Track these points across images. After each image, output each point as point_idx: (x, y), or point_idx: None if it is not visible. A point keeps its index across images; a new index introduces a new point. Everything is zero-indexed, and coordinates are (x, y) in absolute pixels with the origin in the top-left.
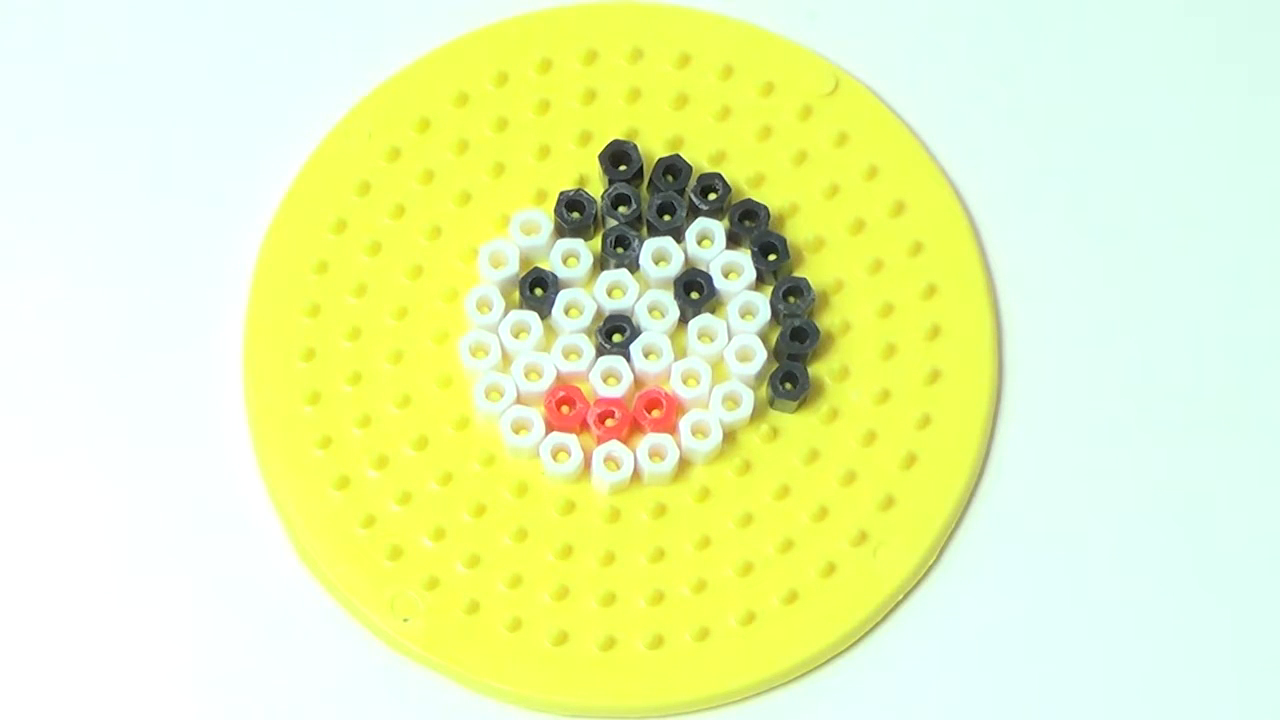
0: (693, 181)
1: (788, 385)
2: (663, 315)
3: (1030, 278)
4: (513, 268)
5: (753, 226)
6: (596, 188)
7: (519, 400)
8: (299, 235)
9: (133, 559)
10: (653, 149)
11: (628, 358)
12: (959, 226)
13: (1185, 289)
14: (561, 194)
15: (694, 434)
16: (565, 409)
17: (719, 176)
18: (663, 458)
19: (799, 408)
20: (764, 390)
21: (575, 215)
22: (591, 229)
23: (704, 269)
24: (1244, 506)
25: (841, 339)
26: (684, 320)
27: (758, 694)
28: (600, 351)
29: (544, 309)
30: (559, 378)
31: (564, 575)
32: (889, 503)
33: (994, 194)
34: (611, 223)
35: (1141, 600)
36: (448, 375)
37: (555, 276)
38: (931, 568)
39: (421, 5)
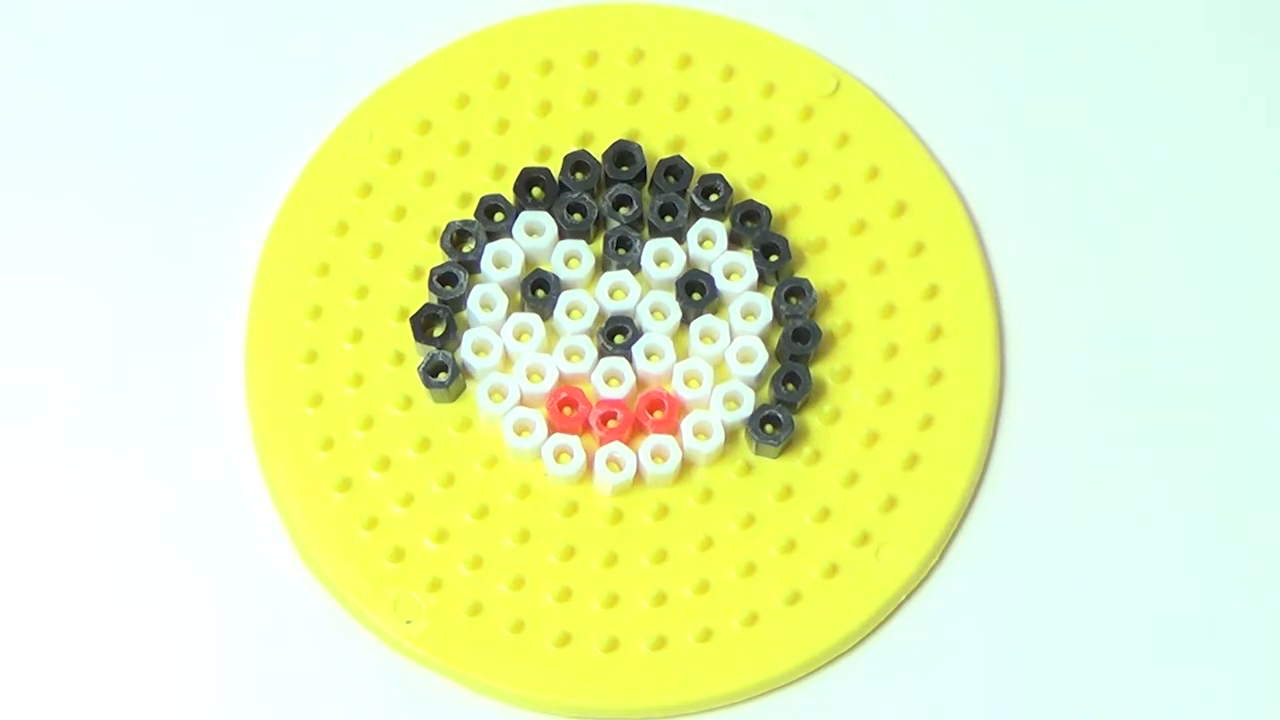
0: (694, 182)
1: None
2: (664, 316)
3: (1031, 278)
4: (515, 269)
5: (754, 227)
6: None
7: (521, 402)
8: (300, 237)
9: (135, 561)
10: (654, 150)
11: (630, 359)
12: (960, 227)
13: (1187, 289)
14: (562, 195)
15: (696, 435)
16: (567, 410)
17: (720, 177)
18: (665, 459)
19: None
20: (766, 391)
21: (577, 217)
22: (593, 230)
23: (706, 270)
24: (1245, 505)
25: (843, 340)
26: (686, 321)
27: (761, 695)
28: (602, 353)
29: (546, 310)
30: (561, 379)
31: (566, 576)
32: (891, 503)
33: (995, 194)
34: (613, 224)
35: (1143, 600)
36: None
37: (557, 278)
38: (934, 568)
39: (422, 7)
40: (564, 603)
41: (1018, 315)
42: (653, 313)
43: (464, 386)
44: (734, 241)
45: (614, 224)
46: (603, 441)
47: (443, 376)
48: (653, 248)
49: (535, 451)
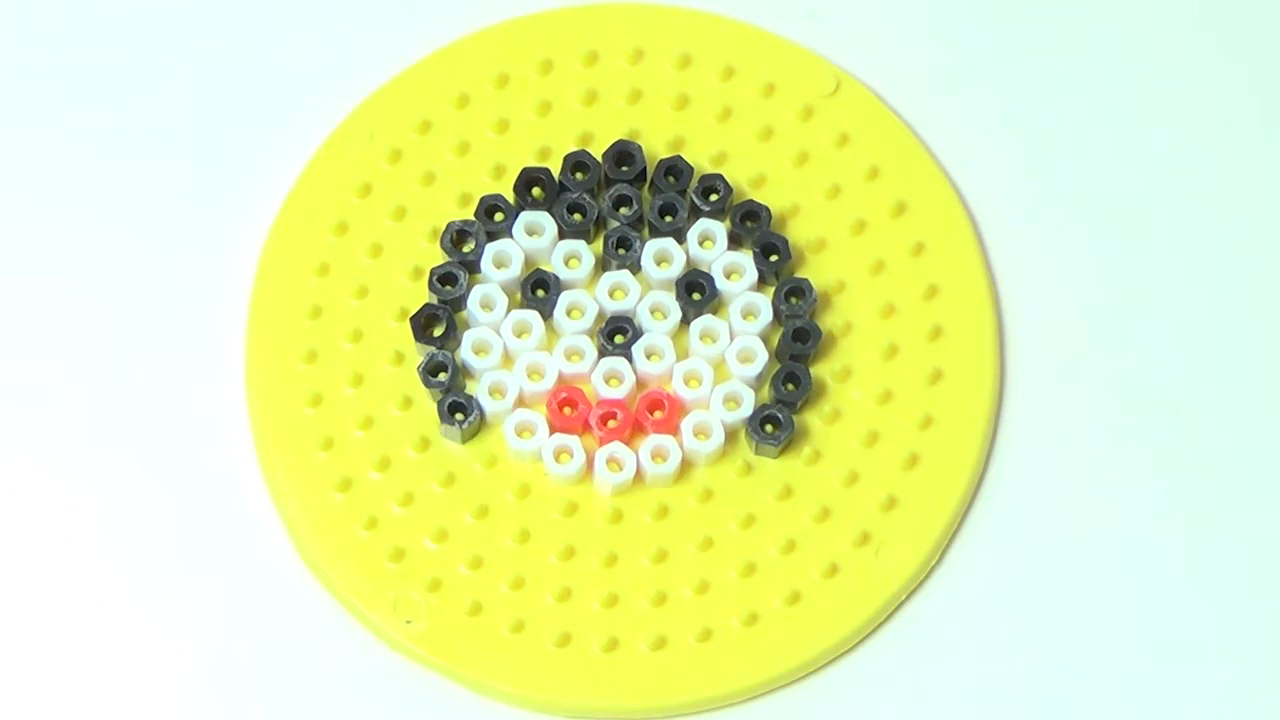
0: (694, 182)
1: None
2: (664, 316)
3: (1031, 277)
4: (515, 269)
5: (754, 227)
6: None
7: (521, 402)
8: (300, 237)
9: (135, 562)
10: (654, 150)
11: (629, 359)
12: (960, 227)
13: (1187, 289)
14: (562, 195)
15: (696, 435)
16: (567, 410)
17: (720, 177)
18: (665, 459)
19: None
20: (766, 391)
21: (577, 217)
22: (593, 230)
23: (706, 270)
24: (1245, 505)
25: (843, 340)
26: (686, 321)
27: (760, 695)
28: (602, 353)
29: (546, 310)
30: (561, 379)
31: (566, 576)
32: (891, 503)
33: (994, 194)
34: (613, 224)
35: (1143, 600)
36: None
37: (557, 278)
38: (934, 568)
39: (422, 7)
40: (564, 603)
41: (1018, 315)
42: (653, 313)
43: (464, 383)
44: (734, 241)
45: (614, 224)
46: (603, 441)
47: (443, 376)
48: (653, 248)
49: (535, 452)
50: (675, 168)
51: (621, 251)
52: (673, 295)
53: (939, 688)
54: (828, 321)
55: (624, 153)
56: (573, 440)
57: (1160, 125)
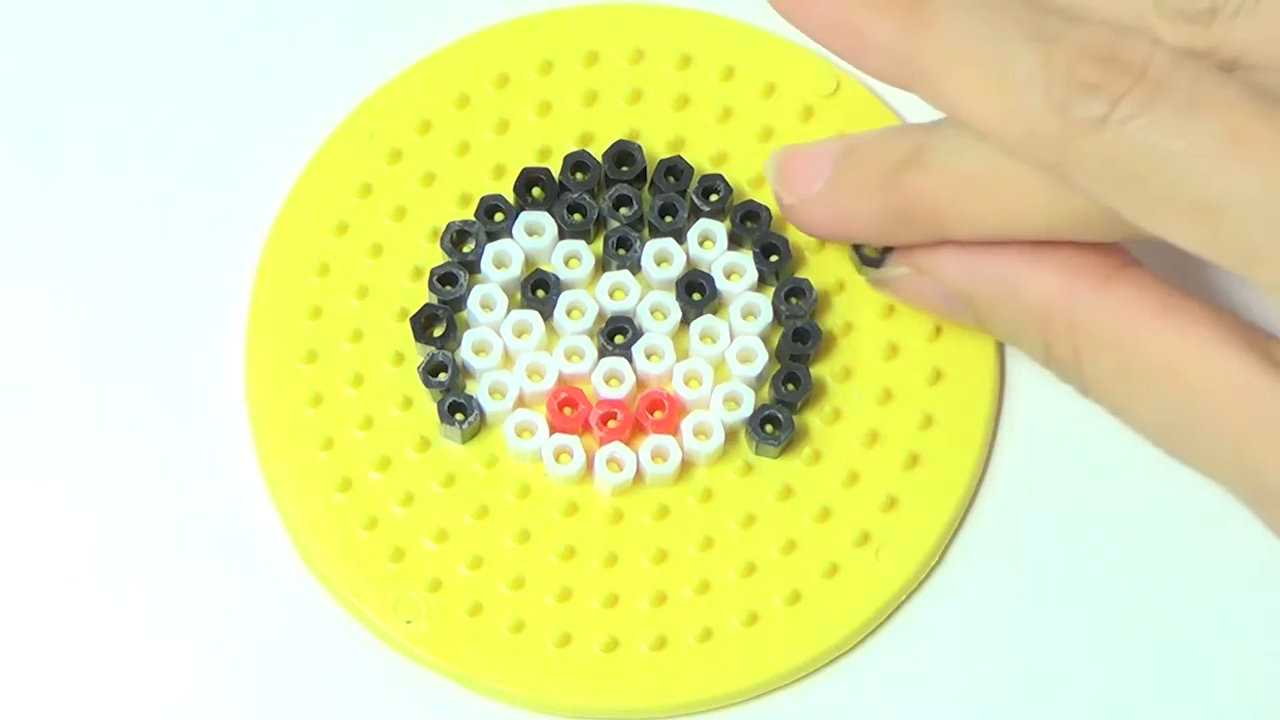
0: (694, 182)
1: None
2: (664, 316)
3: None
4: (515, 269)
5: (755, 227)
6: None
7: (521, 402)
8: (300, 237)
9: (134, 562)
10: (654, 150)
11: (630, 359)
12: None
13: (1187, 288)
14: (562, 195)
15: (696, 435)
16: (567, 410)
17: (721, 177)
18: (665, 459)
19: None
20: (766, 391)
21: (577, 217)
22: (593, 231)
23: (706, 270)
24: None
25: (843, 339)
26: (686, 321)
27: (761, 695)
28: (602, 353)
29: (546, 310)
30: (561, 379)
31: (566, 576)
32: (891, 503)
33: None
34: (613, 224)
35: (1144, 600)
36: None
37: (557, 278)
38: (934, 568)
39: (422, 7)
40: (564, 603)
41: None
42: (653, 313)
43: (464, 383)
44: (734, 241)
45: (614, 224)
46: (603, 442)
47: (443, 376)
48: (653, 248)
49: (535, 452)
50: (675, 168)
51: (621, 252)
52: (673, 295)
53: (939, 688)
54: (828, 321)
55: (624, 153)
56: (573, 440)
57: None
